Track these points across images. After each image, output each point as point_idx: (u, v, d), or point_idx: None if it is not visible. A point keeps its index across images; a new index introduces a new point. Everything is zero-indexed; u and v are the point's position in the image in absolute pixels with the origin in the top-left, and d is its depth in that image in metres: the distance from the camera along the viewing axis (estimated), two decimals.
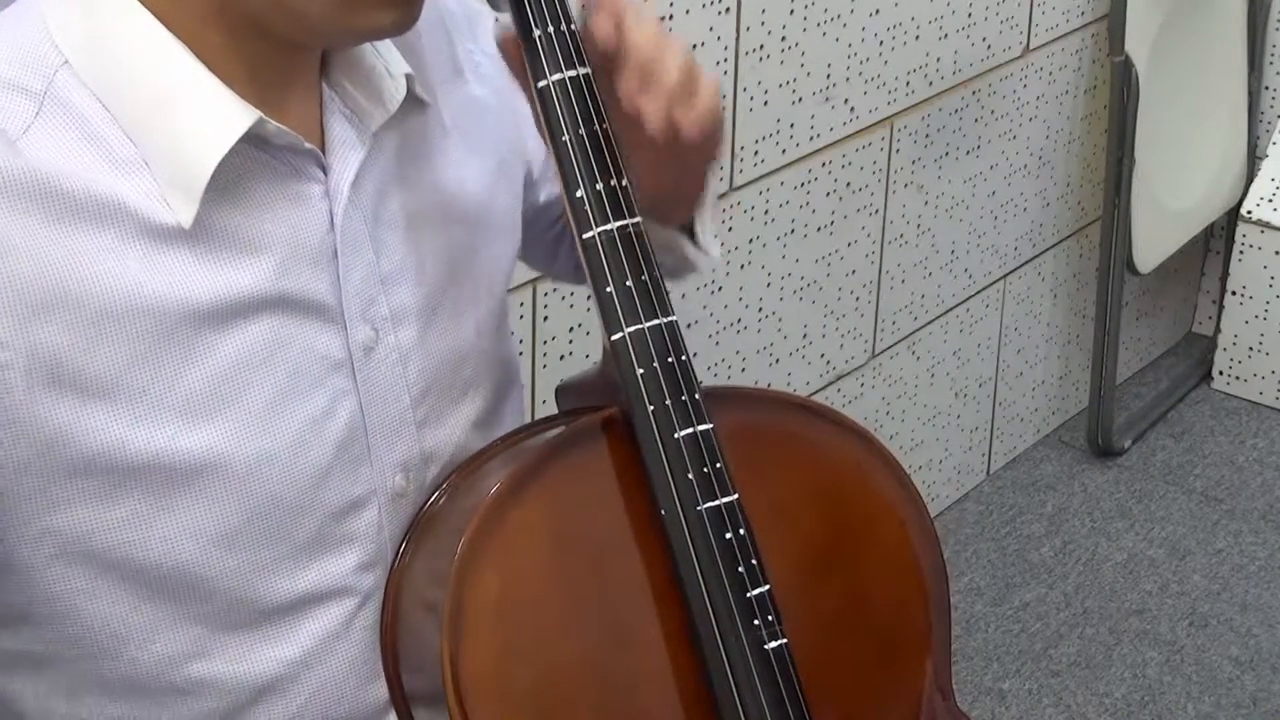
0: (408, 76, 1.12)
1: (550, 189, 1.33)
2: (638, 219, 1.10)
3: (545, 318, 2.08)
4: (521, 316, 2.05)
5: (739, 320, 2.42)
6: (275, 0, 1.02)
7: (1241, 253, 3.25)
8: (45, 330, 0.98)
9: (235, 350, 1.04)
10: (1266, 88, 3.32)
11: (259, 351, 1.05)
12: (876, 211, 2.61)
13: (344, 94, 1.10)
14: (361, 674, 1.15)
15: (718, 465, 1.09)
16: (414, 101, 1.13)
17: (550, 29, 1.09)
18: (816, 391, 2.62)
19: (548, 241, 1.38)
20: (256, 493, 1.07)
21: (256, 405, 1.06)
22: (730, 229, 2.34)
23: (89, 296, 0.99)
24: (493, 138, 1.22)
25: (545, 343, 2.09)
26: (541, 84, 1.09)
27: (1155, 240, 3.09)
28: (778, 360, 2.52)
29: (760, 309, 2.45)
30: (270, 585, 1.09)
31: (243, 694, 1.11)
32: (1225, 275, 3.31)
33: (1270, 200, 3.23)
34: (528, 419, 1.27)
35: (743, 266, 2.39)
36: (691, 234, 1.26)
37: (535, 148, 1.27)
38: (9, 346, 0.98)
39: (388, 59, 1.12)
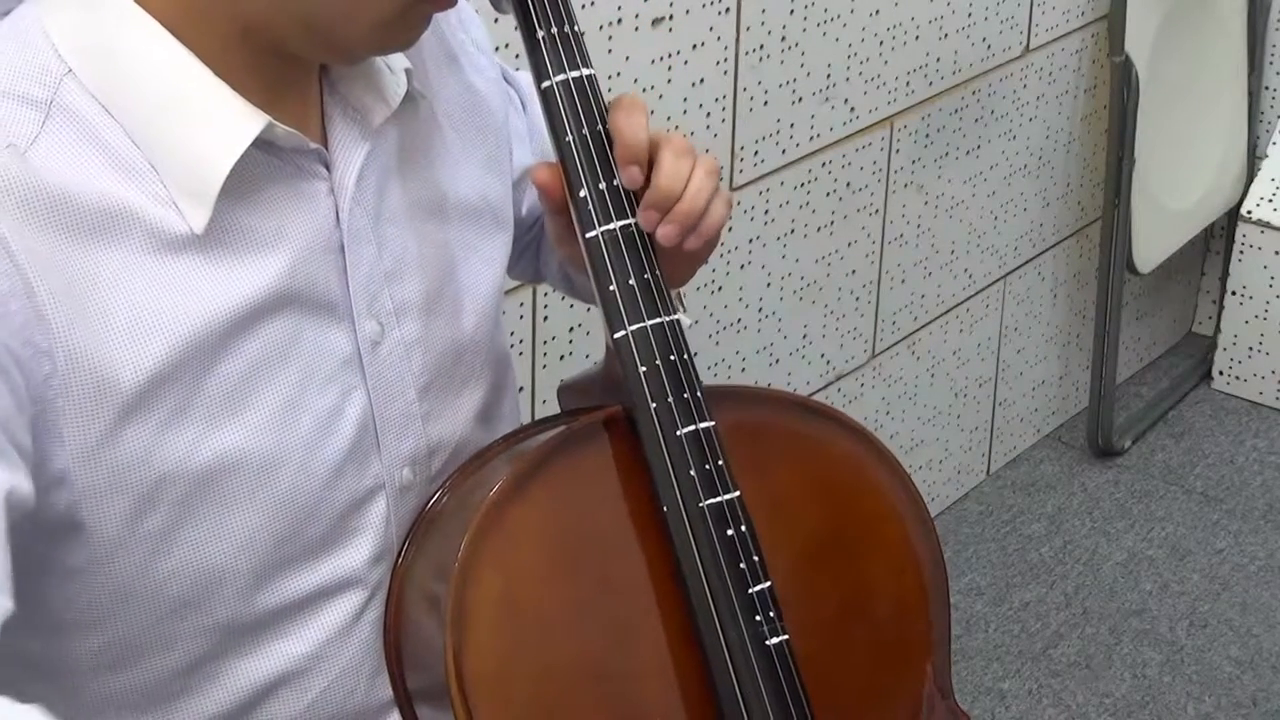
0: (407, 71, 1.12)
1: (528, 203, 1.33)
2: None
3: (545, 318, 2.08)
4: (521, 316, 2.05)
5: (739, 320, 2.42)
6: (310, 29, 1.01)
7: (1241, 253, 3.26)
8: (81, 342, 0.98)
9: (250, 353, 1.04)
10: (1266, 88, 3.32)
11: (273, 352, 1.05)
12: (876, 211, 2.61)
13: (345, 91, 1.10)
14: (372, 667, 1.16)
15: (719, 462, 1.09)
16: (411, 96, 1.13)
17: (554, 30, 1.09)
18: (816, 391, 2.62)
19: (515, 252, 1.39)
20: (274, 493, 1.07)
21: (272, 405, 1.06)
22: (730, 229, 2.34)
23: (114, 310, 0.99)
24: (484, 129, 1.22)
25: (545, 343, 2.09)
26: (545, 85, 1.10)
27: (1155, 240, 3.10)
28: (778, 360, 2.52)
29: (760, 309, 2.45)
30: (285, 582, 1.10)
31: (255, 690, 1.12)
32: (1225, 275, 3.31)
33: (1270, 200, 3.24)
34: (526, 418, 1.28)
35: (743, 266, 2.39)
36: None
37: (520, 156, 1.27)
38: (53, 356, 0.97)
39: (388, 55, 1.12)
